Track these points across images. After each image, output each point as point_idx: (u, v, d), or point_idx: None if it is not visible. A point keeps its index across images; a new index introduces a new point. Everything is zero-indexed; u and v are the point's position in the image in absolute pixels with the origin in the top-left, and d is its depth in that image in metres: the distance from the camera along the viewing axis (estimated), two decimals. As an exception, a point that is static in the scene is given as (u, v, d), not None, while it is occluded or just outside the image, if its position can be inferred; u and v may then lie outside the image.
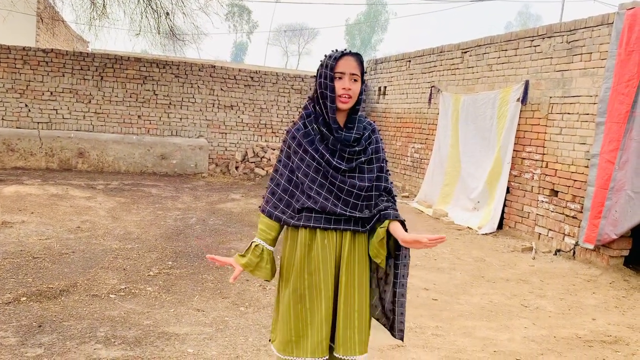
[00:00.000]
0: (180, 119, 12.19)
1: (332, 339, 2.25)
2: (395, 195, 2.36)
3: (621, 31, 6.02)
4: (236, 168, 12.27)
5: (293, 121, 2.31)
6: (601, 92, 6.26)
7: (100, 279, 4.71)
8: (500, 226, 8.00)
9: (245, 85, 12.55)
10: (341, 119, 2.23)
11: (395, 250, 2.23)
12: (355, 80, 2.17)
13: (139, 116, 11.88)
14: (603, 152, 6.17)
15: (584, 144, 6.60)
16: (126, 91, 11.74)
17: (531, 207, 7.51)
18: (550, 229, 7.11)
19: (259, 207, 2.37)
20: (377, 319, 2.36)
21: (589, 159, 6.46)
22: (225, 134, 12.55)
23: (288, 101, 12.90)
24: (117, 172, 11.05)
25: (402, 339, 2.31)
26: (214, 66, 12.47)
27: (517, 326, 4.34)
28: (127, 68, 11.71)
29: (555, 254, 6.74)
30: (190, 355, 3.41)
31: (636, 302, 5.13)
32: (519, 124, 7.76)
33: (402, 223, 2.17)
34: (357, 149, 2.22)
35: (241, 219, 7.56)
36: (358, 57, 2.20)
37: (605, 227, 6.07)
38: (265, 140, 12.85)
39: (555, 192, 7.09)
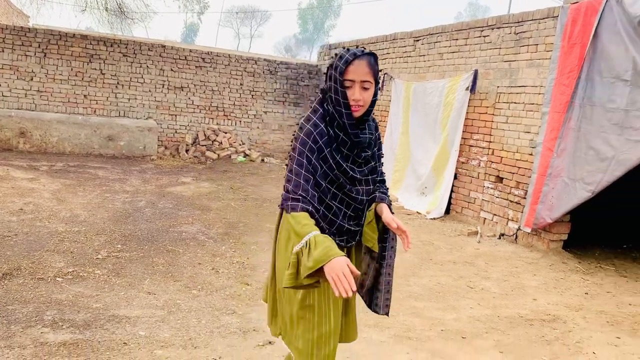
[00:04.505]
0: (129, 99, 11.85)
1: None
2: (385, 180, 2.39)
3: (565, 24, 6.27)
4: (186, 151, 12.06)
5: (309, 117, 2.10)
6: (546, 83, 6.52)
7: (45, 262, 4.57)
8: (447, 211, 8.24)
9: (196, 67, 12.30)
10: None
11: (384, 234, 2.28)
12: (365, 89, 2.03)
13: (85, 96, 11.46)
14: (545, 140, 6.45)
15: (529, 132, 6.87)
16: (71, 69, 11.29)
17: (477, 193, 7.77)
18: (495, 214, 7.38)
19: (287, 206, 2.04)
20: (363, 298, 2.45)
21: (533, 147, 6.73)
22: (176, 115, 12.29)
23: (241, 84, 12.74)
24: (62, 153, 10.65)
25: (387, 313, 2.39)
26: (164, 46, 12.15)
27: (463, 306, 4.51)
28: (72, 45, 11.25)
29: (500, 237, 7.01)
30: (142, 338, 3.37)
31: (573, 283, 5.42)
32: (467, 112, 7.97)
33: (388, 206, 2.23)
34: (368, 152, 2.18)
35: (192, 203, 7.46)
36: (370, 58, 2.03)
37: (542, 212, 6.37)
38: (217, 123, 12.68)
39: (500, 179, 7.36)
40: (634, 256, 6.78)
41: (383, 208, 2.21)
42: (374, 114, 2.24)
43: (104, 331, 3.42)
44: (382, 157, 2.35)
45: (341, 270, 1.79)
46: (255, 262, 5.13)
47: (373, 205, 2.23)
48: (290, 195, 2.02)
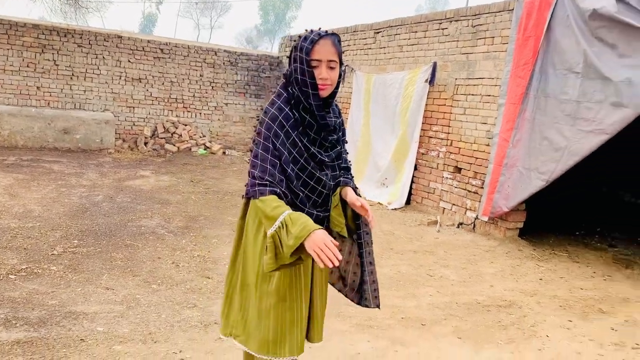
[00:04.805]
0: (84, 91, 11.51)
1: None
2: (350, 167, 2.38)
3: (520, 18, 6.42)
4: (145, 144, 11.82)
5: (273, 101, 2.09)
6: (503, 75, 6.67)
7: (-3, 260, 4.42)
8: (408, 201, 8.36)
9: (154, 58, 12.05)
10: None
11: (355, 220, 2.27)
12: (332, 68, 2.02)
13: (37, 87, 11.07)
14: (501, 131, 6.61)
15: (486, 123, 7.02)
16: (23, 60, 10.88)
17: (437, 184, 7.90)
18: (454, 204, 7.53)
19: (254, 192, 2.01)
20: (351, 299, 2.41)
21: (490, 138, 6.89)
22: (133, 107, 12.03)
23: (200, 75, 12.56)
24: (14, 147, 10.28)
25: (378, 306, 2.37)
26: (121, 36, 11.85)
27: (423, 294, 4.60)
28: (23, 35, 10.84)
29: (458, 226, 7.16)
30: (100, 334, 3.31)
31: (528, 270, 5.59)
32: (426, 104, 8.08)
33: (354, 189, 2.22)
34: (335, 136, 2.17)
35: (151, 196, 7.34)
36: (334, 38, 2.03)
37: (499, 201, 6.54)
38: (177, 116, 12.47)
39: (458, 169, 7.51)
40: (586, 242, 7.04)
41: (348, 191, 2.20)
42: (337, 101, 2.25)
43: (60, 328, 3.34)
44: (346, 143, 2.35)
45: (322, 242, 1.80)
46: (216, 256, 5.09)
47: (338, 190, 2.22)
48: (257, 181, 2.00)
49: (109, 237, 5.35)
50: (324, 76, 2.01)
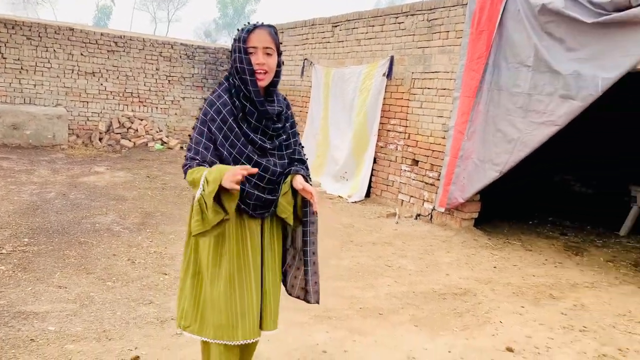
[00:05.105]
0: (35, 85, 11.13)
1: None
2: (306, 161, 2.43)
3: (473, 12, 6.55)
4: (100, 139, 11.53)
5: (214, 90, 2.23)
6: (457, 69, 6.79)
7: (-59, 260, 4.24)
8: (368, 194, 8.43)
9: (108, 51, 11.74)
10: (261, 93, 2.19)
11: (303, 207, 2.32)
12: (269, 54, 2.13)
13: (-17, 81, 10.65)
14: (457, 124, 6.73)
15: (441, 117, 7.14)
16: (-33, 53, 10.45)
17: (395, 176, 8.00)
18: (412, 196, 7.64)
19: (184, 172, 2.15)
20: (297, 296, 2.48)
21: (445, 131, 7.01)
22: (87, 102, 11.70)
23: (156, 69, 12.32)
24: (-41, 144, 9.86)
25: (317, 301, 2.45)
26: (72, 29, 11.49)
27: (381, 284, 4.66)
28: (-33, 27, 10.39)
29: (416, 218, 7.28)
30: (52, 333, 3.22)
31: (483, 258, 5.73)
32: (384, 98, 8.16)
33: (305, 178, 2.26)
34: (279, 125, 2.24)
35: (106, 193, 7.16)
36: (270, 29, 2.15)
37: (455, 192, 6.68)
38: (132, 110, 12.20)
39: (416, 162, 7.62)
40: (539, 231, 7.26)
41: (297, 178, 2.24)
42: (291, 98, 2.31)
43: (8, 329, 3.23)
44: (298, 135, 2.40)
45: (232, 174, 1.93)
46: (173, 252, 5.02)
47: (289, 178, 2.25)
48: (188, 162, 2.13)
49: (61, 235, 5.20)
50: (261, 61, 2.11)
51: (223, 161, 2.13)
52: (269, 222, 2.30)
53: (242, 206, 2.16)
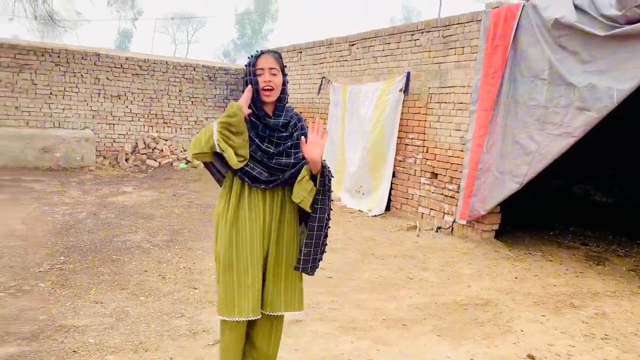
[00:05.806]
0: (63, 109, 11.55)
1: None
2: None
3: (488, 28, 6.70)
4: (126, 160, 11.87)
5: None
6: (473, 83, 6.93)
7: (-15, 278, 4.48)
8: (388, 208, 8.55)
9: (133, 74, 12.14)
10: (269, 108, 2.55)
11: (315, 195, 2.53)
12: (274, 74, 2.50)
13: (16, 107, 11.08)
14: (474, 137, 6.85)
15: (459, 130, 7.26)
16: (0, 81, 10.89)
17: (415, 189, 8.11)
18: (432, 209, 7.74)
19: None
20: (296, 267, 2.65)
21: (464, 144, 7.13)
22: (113, 124, 12.08)
23: (180, 91, 12.67)
24: (-7, 168, 10.26)
25: (310, 271, 2.62)
26: (99, 54, 11.92)
27: (403, 296, 4.77)
28: (0, 56, 10.86)
29: (437, 230, 7.37)
30: (92, 345, 3.41)
31: (504, 270, 5.80)
32: (402, 113, 8.31)
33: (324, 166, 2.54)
34: (284, 134, 2.56)
35: (135, 212, 7.42)
36: (275, 54, 2.55)
37: (476, 204, 6.77)
38: (157, 131, 12.55)
39: (435, 175, 7.73)
40: (560, 242, 7.30)
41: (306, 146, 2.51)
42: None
43: (52, 341, 3.43)
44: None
45: (240, 102, 2.47)
46: (202, 267, 5.20)
47: (305, 169, 2.50)
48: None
49: (94, 253, 5.43)
50: (267, 79, 2.49)
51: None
52: (279, 209, 2.58)
53: (244, 178, 2.50)
